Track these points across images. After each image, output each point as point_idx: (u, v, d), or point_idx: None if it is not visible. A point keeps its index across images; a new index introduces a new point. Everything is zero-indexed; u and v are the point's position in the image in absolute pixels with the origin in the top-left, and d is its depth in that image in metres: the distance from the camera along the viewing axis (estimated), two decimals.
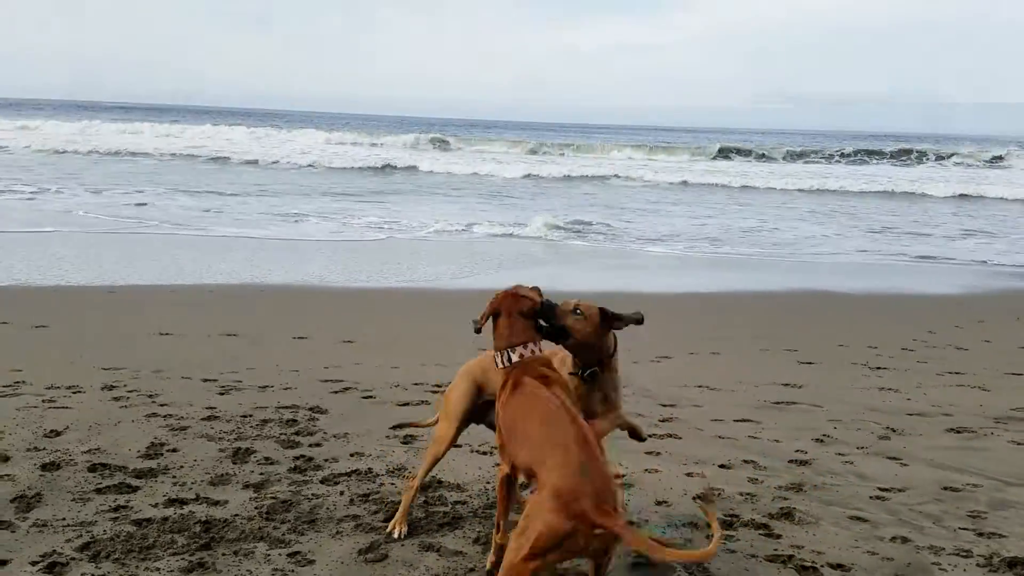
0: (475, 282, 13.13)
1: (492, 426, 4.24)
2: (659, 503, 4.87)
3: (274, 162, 37.68)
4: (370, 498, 4.73)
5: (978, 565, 4.09)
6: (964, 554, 4.20)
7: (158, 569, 3.83)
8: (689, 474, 5.31)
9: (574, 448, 3.21)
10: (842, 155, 56.43)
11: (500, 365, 3.73)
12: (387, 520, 4.42)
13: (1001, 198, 33.38)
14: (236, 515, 4.42)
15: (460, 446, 5.68)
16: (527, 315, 3.78)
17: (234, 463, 5.20)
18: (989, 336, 10.02)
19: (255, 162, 37.70)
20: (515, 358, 3.69)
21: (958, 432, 6.30)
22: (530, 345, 3.72)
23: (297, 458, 5.32)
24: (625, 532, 3.04)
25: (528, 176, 36.62)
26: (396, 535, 4.25)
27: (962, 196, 33.83)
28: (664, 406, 6.87)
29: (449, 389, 4.44)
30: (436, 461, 4.35)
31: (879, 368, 8.40)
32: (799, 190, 35.07)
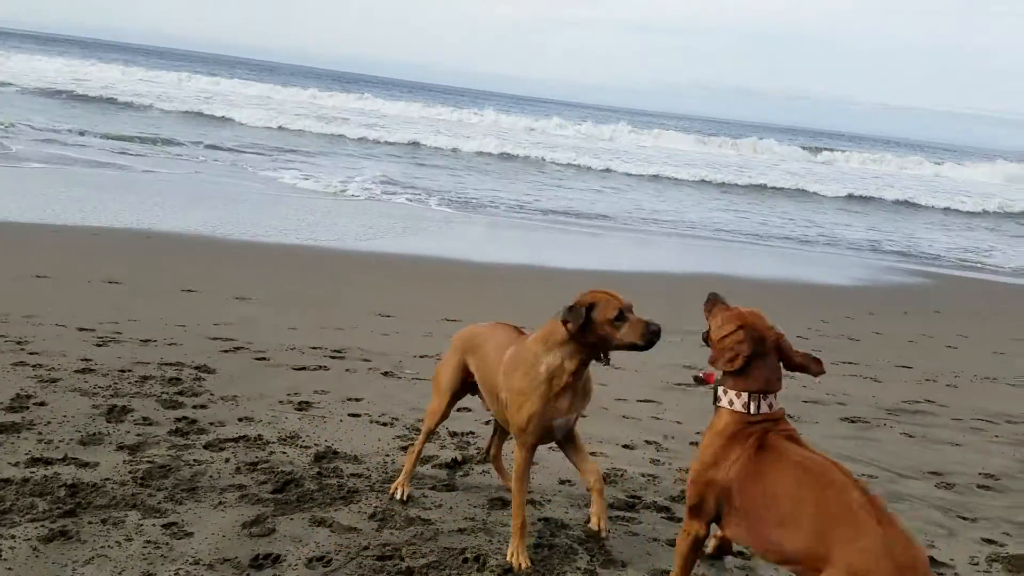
0: (379, 245, 12.74)
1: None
2: (562, 482, 4.74)
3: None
4: (258, 467, 4.41)
5: None
6: None
7: (13, 536, 3.44)
8: (592, 453, 5.20)
9: (867, 519, 2.69)
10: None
11: (752, 412, 3.12)
12: (276, 492, 4.13)
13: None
14: (107, 479, 4.04)
15: (359, 415, 5.43)
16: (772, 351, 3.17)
17: (108, 422, 4.78)
18: (879, 328, 10.36)
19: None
20: (765, 408, 3.11)
21: (852, 422, 6.42)
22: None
23: (179, 420, 4.93)
24: None
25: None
26: (399, 496, 4.21)
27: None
28: None
29: (441, 362, 4.33)
30: (430, 433, 4.36)
31: None
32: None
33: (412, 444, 4.98)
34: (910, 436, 6.18)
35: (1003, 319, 12.20)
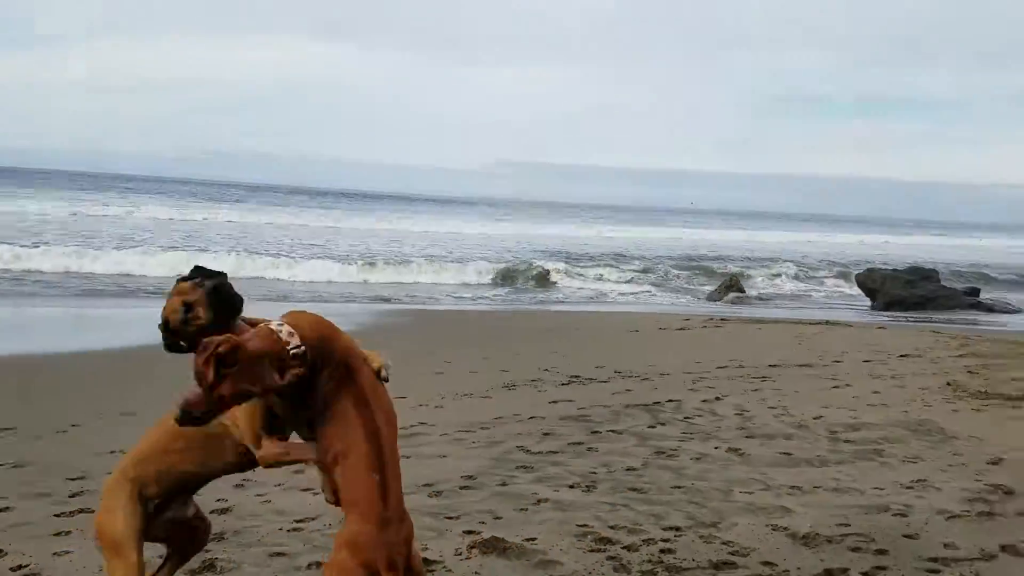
0: None
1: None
2: None
3: None
4: None
5: None
6: None
7: None
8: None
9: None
10: None
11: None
12: None
13: None
14: None
15: None
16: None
17: None
18: None
19: None
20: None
21: None
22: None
23: None
24: None
25: None
26: None
27: None
28: (72, 479, 6.35)
29: (103, 515, 3.44)
30: None
31: None
32: None
33: None
34: (407, 457, 7.07)
35: (478, 340, 14.37)
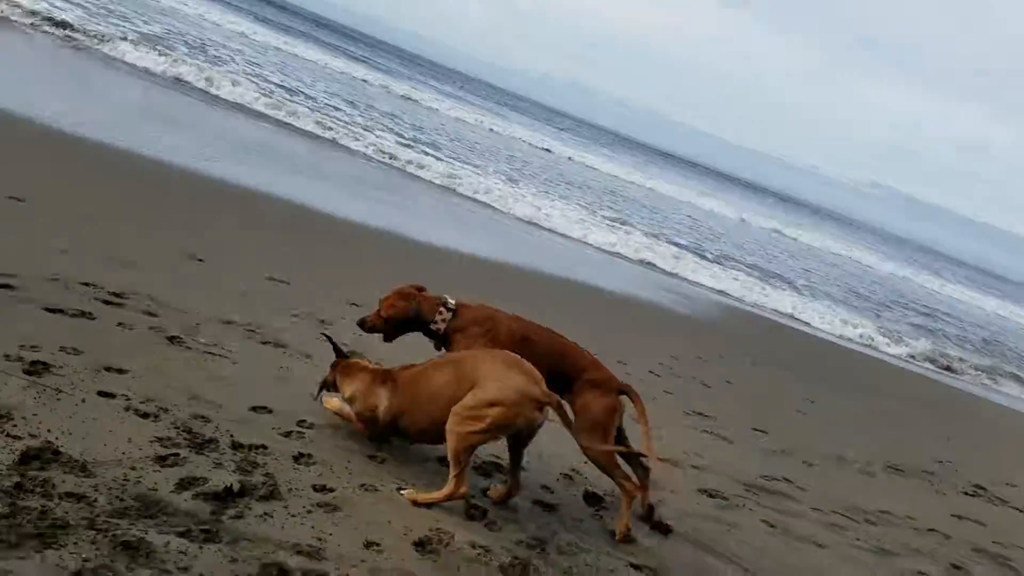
0: (220, 167, 10.94)
1: None
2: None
3: None
4: None
5: None
6: None
7: None
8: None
9: None
10: None
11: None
12: None
13: None
14: None
15: (113, 396, 4.01)
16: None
17: None
18: (731, 377, 9.79)
19: None
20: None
21: (711, 496, 5.58)
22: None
23: None
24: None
25: None
26: None
27: None
28: None
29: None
30: None
31: None
32: None
33: (178, 454, 3.65)
34: (772, 526, 5.40)
35: (855, 389, 12.08)
